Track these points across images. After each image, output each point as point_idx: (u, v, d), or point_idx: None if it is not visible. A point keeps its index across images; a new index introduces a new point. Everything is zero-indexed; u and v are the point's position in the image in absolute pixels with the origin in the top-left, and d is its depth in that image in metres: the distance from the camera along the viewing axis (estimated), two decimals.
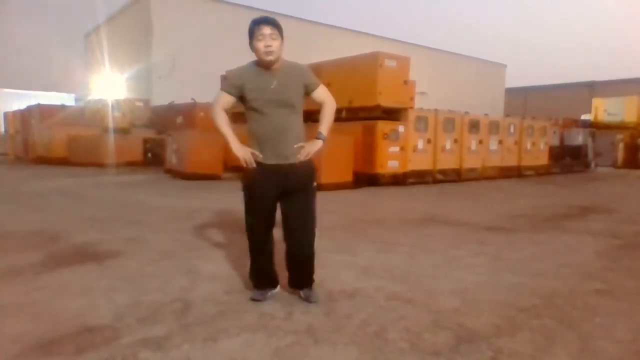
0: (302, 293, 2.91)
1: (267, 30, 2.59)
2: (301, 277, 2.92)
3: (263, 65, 2.67)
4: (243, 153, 2.70)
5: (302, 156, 2.72)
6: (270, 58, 2.62)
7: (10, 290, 3.06)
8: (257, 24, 2.62)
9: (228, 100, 2.75)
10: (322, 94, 2.84)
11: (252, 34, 2.62)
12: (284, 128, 2.69)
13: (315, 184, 2.86)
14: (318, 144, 2.77)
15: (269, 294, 2.92)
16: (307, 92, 2.80)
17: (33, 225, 5.31)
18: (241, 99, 2.74)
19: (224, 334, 2.40)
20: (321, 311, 2.73)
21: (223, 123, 2.76)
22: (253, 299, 2.87)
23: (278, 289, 2.99)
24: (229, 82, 2.77)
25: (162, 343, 2.29)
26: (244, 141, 2.77)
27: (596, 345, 2.35)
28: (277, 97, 2.66)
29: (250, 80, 2.68)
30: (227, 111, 2.79)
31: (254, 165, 2.70)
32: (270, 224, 2.84)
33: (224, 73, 13.22)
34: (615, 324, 2.62)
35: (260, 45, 2.59)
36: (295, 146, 2.71)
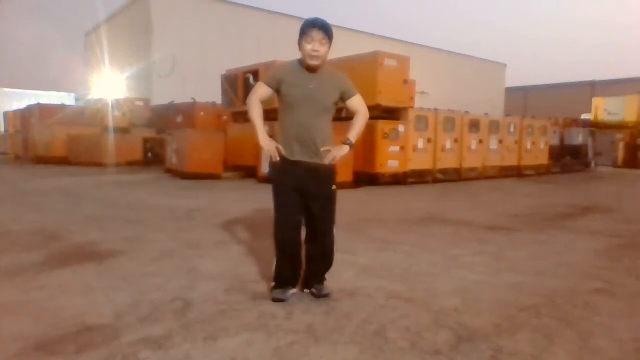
0: (313, 289, 2.96)
1: (318, 35, 2.63)
2: (316, 275, 2.98)
3: (306, 65, 2.73)
4: (269, 146, 2.75)
5: (328, 159, 2.77)
6: (315, 62, 2.69)
7: (10, 290, 3.06)
8: (310, 26, 2.64)
9: (265, 91, 2.82)
10: (357, 103, 2.92)
11: (303, 33, 2.66)
12: (313, 126, 2.74)
13: (335, 187, 2.91)
14: (345, 149, 2.83)
15: (290, 292, 2.92)
16: (343, 99, 2.87)
17: (33, 224, 5.31)
18: (277, 92, 2.80)
19: (224, 333, 2.40)
20: (321, 310, 2.73)
21: (256, 114, 2.81)
22: (275, 299, 2.84)
23: (297, 288, 2.99)
24: (270, 74, 2.85)
25: (162, 342, 2.29)
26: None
27: (596, 344, 2.35)
28: (312, 96, 2.72)
29: (290, 75, 2.75)
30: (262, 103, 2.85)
31: (278, 158, 2.75)
32: (298, 220, 2.86)
33: (224, 72, 13.22)
34: (615, 323, 2.62)
35: (308, 47, 2.65)
36: (322, 149, 2.76)
